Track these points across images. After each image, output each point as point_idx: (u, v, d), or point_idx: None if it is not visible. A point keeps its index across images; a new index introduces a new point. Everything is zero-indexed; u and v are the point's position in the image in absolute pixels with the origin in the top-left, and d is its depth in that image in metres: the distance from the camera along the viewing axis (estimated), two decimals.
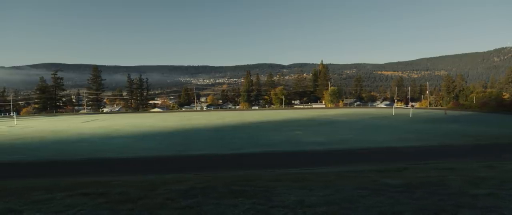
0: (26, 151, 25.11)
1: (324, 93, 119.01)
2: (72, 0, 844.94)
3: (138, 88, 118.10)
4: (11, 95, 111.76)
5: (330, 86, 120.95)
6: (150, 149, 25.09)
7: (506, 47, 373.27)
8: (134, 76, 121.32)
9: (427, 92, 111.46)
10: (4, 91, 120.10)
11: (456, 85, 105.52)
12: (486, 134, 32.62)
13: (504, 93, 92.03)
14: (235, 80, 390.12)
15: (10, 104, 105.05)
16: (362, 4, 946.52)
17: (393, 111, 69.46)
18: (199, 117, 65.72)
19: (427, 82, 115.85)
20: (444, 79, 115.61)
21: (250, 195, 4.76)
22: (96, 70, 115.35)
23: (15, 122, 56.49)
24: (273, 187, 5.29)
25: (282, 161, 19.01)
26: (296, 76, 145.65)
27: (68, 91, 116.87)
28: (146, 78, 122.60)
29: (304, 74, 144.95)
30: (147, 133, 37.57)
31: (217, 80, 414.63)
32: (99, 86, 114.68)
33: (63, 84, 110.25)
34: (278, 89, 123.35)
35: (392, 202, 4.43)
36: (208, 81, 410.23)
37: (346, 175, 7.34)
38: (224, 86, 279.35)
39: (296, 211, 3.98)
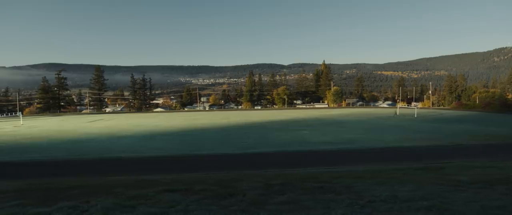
0: (37, 150, 25.19)
1: (327, 93, 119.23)
2: (72, 0, 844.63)
3: (141, 88, 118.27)
4: (17, 95, 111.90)
5: (333, 86, 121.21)
6: (161, 148, 25.16)
7: (506, 47, 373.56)
8: (135, 77, 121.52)
9: (430, 92, 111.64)
10: (7, 91, 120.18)
11: (458, 85, 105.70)
12: (494, 133, 32.77)
13: (507, 94, 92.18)
14: (235, 80, 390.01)
15: (13, 104, 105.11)
16: (362, 4, 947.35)
17: (397, 111, 69.63)
18: (203, 117, 65.79)
19: (430, 82, 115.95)
20: (446, 79, 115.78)
21: (338, 191, 4.90)
22: (99, 70, 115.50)
23: (21, 121, 56.57)
24: (349, 183, 5.45)
25: (298, 160, 19.12)
26: (298, 76, 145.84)
27: (69, 91, 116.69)
28: (149, 78, 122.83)
29: (304, 74, 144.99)
30: (155, 132, 37.66)
31: (217, 80, 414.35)
32: (101, 86, 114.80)
33: (66, 84, 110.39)
34: (280, 89, 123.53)
35: (485, 197, 4.60)
36: (208, 81, 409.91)
37: (394, 173, 7.46)
38: (224, 86, 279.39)
39: (400, 205, 4.12)
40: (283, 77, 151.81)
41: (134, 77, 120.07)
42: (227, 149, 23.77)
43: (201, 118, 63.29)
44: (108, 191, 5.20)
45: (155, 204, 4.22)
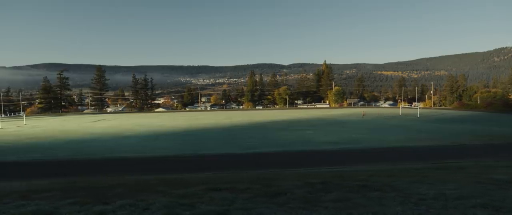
0: (42, 150, 25.25)
1: (328, 93, 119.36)
2: (72, 0, 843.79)
3: (142, 88, 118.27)
4: (20, 96, 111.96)
5: (334, 86, 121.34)
6: (166, 148, 25.23)
7: (506, 47, 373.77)
8: (136, 77, 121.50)
9: (431, 92, 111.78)
10: (8, 91, 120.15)
11: (459, 86, 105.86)
12: (497, 133, 32.93)
13: (510, 94, 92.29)
14: (235, 80, 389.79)
15: (13, 104, 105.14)
16: (362, 4, 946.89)
17: (400, 111, 69.76)
18: (206, 117, 65.84)
19: (431, 82, 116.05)
20: (447, 79, 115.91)
21: (382, 189, 4.97)
22: (100, 70, 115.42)
23: (24, 121, 56.60)
24: (388, 182, 5.53)
25: (304, 160, 19.17)
26: (299, 76, 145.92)
27: (70, 91, 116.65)
28: (151, 78, 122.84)
29: (305, 74, 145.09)
30: (159, 132, 37.76)
31: (217, 80, 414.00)
32: (103, 86, 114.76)
33: (68, 84, 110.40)
34: (281, 89, 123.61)
35: None
36: (208, 81, 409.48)
37: (421, 172, 7.52)
38: (224, 86, 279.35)
39: (453, 203, 4.19)
40: (284, 77, 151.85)
41: (139, 77, 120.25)
42: (232, 149, 23.84)
43: (203, 118, 63.35)
44: (152, 189, 5.25)
45: (212, 202, 4.28)
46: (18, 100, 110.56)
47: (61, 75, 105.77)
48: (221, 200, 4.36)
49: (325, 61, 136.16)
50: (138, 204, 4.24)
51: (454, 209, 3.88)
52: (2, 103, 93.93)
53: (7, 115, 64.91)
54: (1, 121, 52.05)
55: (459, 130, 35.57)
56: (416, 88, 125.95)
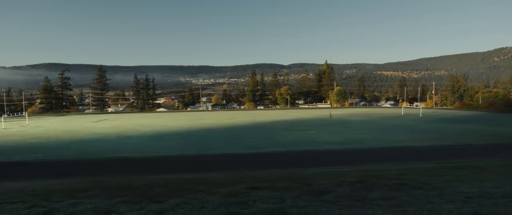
0: (46, 150, 25.24)
1: (330, 93, 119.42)
2: (72, 0, 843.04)
3: (144, 88, 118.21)
4: (22, 96, 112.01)
5: (336, 86, 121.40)
6: (171, 148, 25.23)
7: (506, 47, 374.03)
8: (137, 77, 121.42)
9: (433, 92, 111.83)
10: (9, 91, 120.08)
11: (460, 85, 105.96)
12: (500, 133, 32.99)
13: (511, 94, 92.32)
14: (235, 80, 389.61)
15: (14, 104, 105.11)
16: (362, 4, 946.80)
17: (402, 111, 69.81)
18: (208, 117, 65.80)
19: (433, 83, 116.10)
20: (449, 79, 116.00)
21: (423, 187, 4.99)
22: (101, 70, 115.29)
23: (27, 121, 56.57)
24: (424, 180, 5.56)
25: (309, 160, 19.19)
26: (300, 76, 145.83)
27: (71, 91, 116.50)
28: (152, 78, 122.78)
29: (305, 74, 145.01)
30: (162, 132, 37.74)
31: (217, 80, 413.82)
32: (104, 86, 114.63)
33: (70, 84, 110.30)
34: (283, 89, 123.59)
35: None
36: (208, 81, 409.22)
37: (446, 171, 7.55)
38: (225, 86, 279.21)
39: (502, 200, 4.21)
40: (285, 77, 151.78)
41: (140, 77, 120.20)
42: (237, 149, 23.86)
43: (206, 118, 63.31)
44: (192, 188, 5.27)
45: (264, 201, 4.29)
46: (19, 101, 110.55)
47: (63, 75, 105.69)
48: (271, 199, 4.38)
49: (326, 61, 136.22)
50: (192, 203, 4.25)
51: (505, 207, 3.90)
52: (5, 103, 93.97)
53: (9, 115, 64.88)
54: (4, 121, 52.02)
55: (467, 130, 35.66)
56: (419, 88, 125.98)
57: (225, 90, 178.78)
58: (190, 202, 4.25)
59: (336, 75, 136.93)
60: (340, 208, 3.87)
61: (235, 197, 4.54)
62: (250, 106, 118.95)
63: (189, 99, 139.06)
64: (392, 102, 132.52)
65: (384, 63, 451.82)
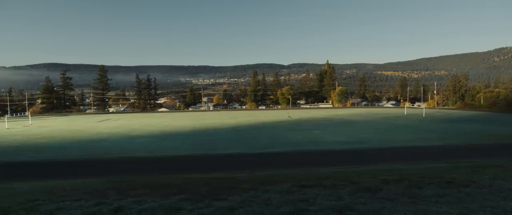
0: (52, 150, 25.18)
1: (332, 93, 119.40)
2: (72, 0, 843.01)
3: (146, 88, 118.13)
4: (26, 96, 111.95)
5: (338, 86, 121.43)
6: (176, 148, 25.15)
7: (506, 47, 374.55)
8: (138, 77, 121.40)
9: (435, 92, 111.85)
10: (10, 91, 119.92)
11: (462, 86, 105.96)
12: (504, 133, 32.91)
13: None
14: (235, 80, 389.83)
15: (15, 104, 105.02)
16: (362, 4, 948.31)
17: (405, 111, 69.71)
18: (210, 117, 65.68)
19: (435, 83, 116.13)
20: (450, 79, 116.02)
21: (471, 185, 4.93)
22: (102, 70, 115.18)
23: (30, 121, 56.47)
24: (471, 179, 5.50)
25: (316, 160, 19.13)
26: (301, 76, 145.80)
27: (73, 91, 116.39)
28: (154, 78, 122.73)
29: (306, 74, 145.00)
30: (166, 132, 37.65)
31: (217, 80, 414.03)
32: (105, 86, 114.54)
33: (72, 84, 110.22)
34: (284, 89, 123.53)
35: None
36: (208, 81, 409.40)
37: (467, 169, 7.50)
38: (225, 86, 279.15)
39: None
40: (287, 77, 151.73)
41: (142, 77, 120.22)
42: (242, 149, 23.76)
43: (208, 118, 63.20)
44: (240, 186, 5.21)
45: (324, 198, 4.23)
46: (20, 101, 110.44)
47: (64, 76, 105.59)
48: (327, 196, 4.33)
49: (327, 61, 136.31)
50: (254, 200, 4.20)
51: None
52: (8, 103, 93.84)
53: (12, 115, 64.78)
54: (7, 121, 51.98)
55: (473, 130, 35.59)
56: (422, 88, 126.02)
57: (225, 90, 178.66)
58: (251, 199, 4.19)
59: (336, 75, 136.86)
60: (402, 204, 3.84)
61: (291, 195, 4.48)
62: (252, 106, 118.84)
63: (190, 99, 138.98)
64: (393, 102, 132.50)
65: (384, 63, 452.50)
